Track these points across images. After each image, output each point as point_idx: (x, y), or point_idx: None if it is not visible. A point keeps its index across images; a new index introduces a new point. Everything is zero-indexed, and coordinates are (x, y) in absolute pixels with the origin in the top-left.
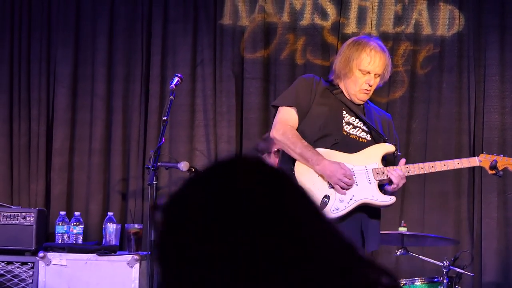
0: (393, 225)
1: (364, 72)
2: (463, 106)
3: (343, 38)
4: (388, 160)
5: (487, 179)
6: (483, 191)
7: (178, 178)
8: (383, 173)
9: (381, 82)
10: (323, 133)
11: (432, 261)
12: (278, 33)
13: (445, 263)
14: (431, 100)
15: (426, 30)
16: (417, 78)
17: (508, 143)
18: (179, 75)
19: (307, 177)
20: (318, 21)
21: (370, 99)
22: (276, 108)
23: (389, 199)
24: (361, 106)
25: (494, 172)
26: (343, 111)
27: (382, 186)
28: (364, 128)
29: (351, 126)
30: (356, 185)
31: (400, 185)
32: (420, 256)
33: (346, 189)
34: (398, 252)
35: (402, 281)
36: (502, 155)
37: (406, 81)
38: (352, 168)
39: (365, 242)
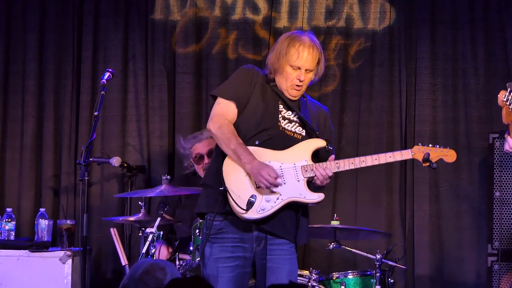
0: (326, 218)
1: (294, 67)
2: (394, 99)
3: (275, 32)
4: (320, 155)
5: (418, 172)
6: (415, 184)
7: (110, 173)
8: (311, 170)
9: (316, 77)
10: (260, 127)
11: (365, 254)
12: (209, 28)
13: (378, 257)
14: (363, 93)
15: (358, 24)
16: (349, 72)
17: (439, 136)
18: (110, 70)
19: (234, 176)
20: (249, 15)
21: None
22: (214, 98)
23: (317, 197)
24: (297, 100)
25: (428, 164)
26: (280, 105)
27: (312, 182)
28: (300, 123)
29: (287, 120)
30: (284, 183)
31: (325, 183)
32: (353, 250)
33: (269, 187)
34: (331, 246)
35: (335, 275)
36: (437, 146)
37: (337, 75)
38: (280, 166)
39: (296, 236)
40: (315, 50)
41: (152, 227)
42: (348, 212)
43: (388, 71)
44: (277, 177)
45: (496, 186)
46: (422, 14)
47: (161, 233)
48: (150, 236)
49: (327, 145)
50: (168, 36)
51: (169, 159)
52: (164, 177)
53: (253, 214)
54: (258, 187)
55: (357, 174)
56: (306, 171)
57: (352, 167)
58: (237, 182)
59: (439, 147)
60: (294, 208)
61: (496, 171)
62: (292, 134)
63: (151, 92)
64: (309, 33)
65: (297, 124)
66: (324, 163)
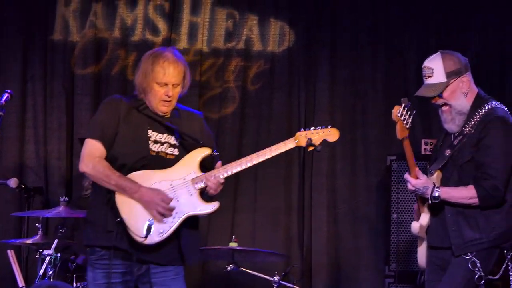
0: (224, 240)
1: (161, 84)
2: (293, 121)
3: None
4: (207, 163)
5: (317, 194)
6: (313, 206)
7: (8, 194)
8: (202, 180)
9: (184, 90)
10: (133, 157)
11: (263, 276)
12: (109, 49)
13: (275, 278)
14: (262, 116)
15: (257, 46)
16: (248, 94)
17: (338, 158)
18: (9, 91)
19: (127, 206)
20: (149, 36)
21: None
22: (82, 140)
23: (212, 206)
24: (169, 116)
25: (312, 148)
26: (149, 130)
27: (204, 192)
28: (172, 141)
29: (158, 143)
30: (178, 201)
31: (218, 190)
32: (251, 271)
33: (164, 214)
34: (229, 268)
35: None
36: (319, 128)
37: (237, 97)
38: (171, 184)
39: (184, 257)
40: (179, 65)
41: (50, 249)
42: (247, 234)
43: (287, 93)
44: (169, 202)
45: (393, 208)
46: (321, 36)
47: (59, 255)
48: (48, 258)
49: (212, 151)
50: (67, 57)
51: (67, 181)
52: (62, 199)
53: (153, 238)
54: (155, 215)
55: (255, 196)
56: (197, 183)
57: (240, 168)
58: (132, 211)
59: (321, 128)
60: (177, 232)
61: (393, 193)
62: (165, 156)
63: (50, 113)
64: (172, 48)
65: (169, 145)
66: (213, 171)
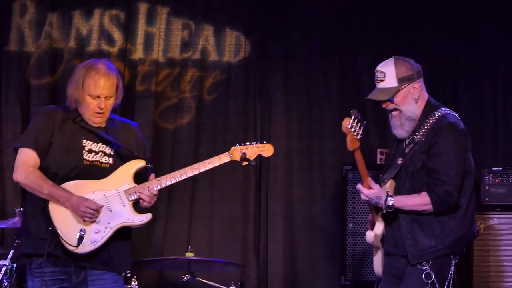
0: (181, 249)
1: (93, 96)
2: (249, 132)
3: (130, 64)
4: (141, 175)
5: (273, 204)
6: (270, 216)
7: None
8: (135, 192)
9: (118, 101)
10: (67, 167)
11: (219, 286)
12: (64, 59)
13: None
14: (218, 126)
15: (213, 56)
16: (204, 104)
17: (294, 168)
18: None
19: (60, 216)
20: (105, 47)
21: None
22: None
23: (145, 218)
24: (104, 126)
25: (247, 163)
26: (83, 139)
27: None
28: (107, 151)
29: (93, 153)
30: (110, 211)
31: (152, 202)
32: (207, 281)
33: (93, 219)
34: (185, 278)
35: None
36: (254, 143)
37: (193, 107)
38: (104, 195)
39: (114, 265)
40: (111, 77)
41: (6, 259)
42: (203, 243)
43: (243, 104)
44: (97, 208)
45: (349, 217)
46: (276, 47)
47: (15, 265)
48: (3, 269)
49: (147, 163)
50: (22, 67)
51: (22, 191)
52: (17, 209)
53: (85, 248)
54: (85, 221)
55: (212, 205)
56: (130, 194)
57: (174, 181)
58: (64, 220)
59: (256, 143)
60: (110, 240)
61: (349, 202)
62: (99, 165)
63: (5, 124)
64: (105, 60)
65: (103, 154)
66: (146, 183)
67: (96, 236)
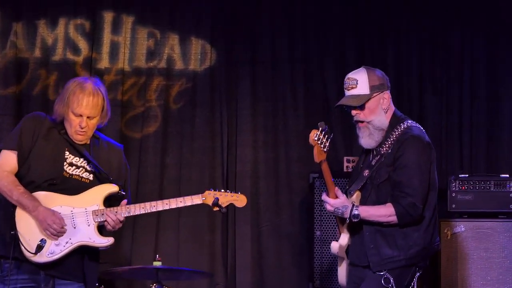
0: (148, 258)
1: (76, 114)
2: (216, 140)
3: (96, 73)
4: (113, 200)
5: (240, 212)
6: (237, 223)
7: None
8: (102, 214)
9: (102, 122)
10: (45, 176)
11: None
12: (30, 69)
13: None
14: (185, 134)
15: (179, 64)
16: (171, 113)
17: (261, 176)
18: None
19: (24, 222)
20: (70, 56)
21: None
22: None
23: (106, 241)
24: (88, 143)
25: (218, 209)
26: (66, 152)
27: (103, 227)
28: (88, 167)
29: (74, 166)
30: (74, 227)
31: (117, 227)
32: None
33: (55, 235)
34: (153, 287)
35: None
36: (228, 191)
37: (159, 116)
38: (72, 211)
39: (86, 276)
40: (95, 98)
41: None
42: (171, 252)
43: (210, 112)
44: (62, 225)
45: (316, 225)
46: (242, 55)
47: None
48: None
49: (119, 190)
50: None
51: None
52: None
53: (42, 257)
54: (47, 234)
55: (179, 213)
56: (97, 215)
57: (143, 211)
58: (28, 227)
59: (230, 192)
60: (82, 252)
61: (316, 210)
62: (79, 179)
63: None
64: (94, 79)
65: (84, 169)
66: (115, 208)
67: (55, 248)
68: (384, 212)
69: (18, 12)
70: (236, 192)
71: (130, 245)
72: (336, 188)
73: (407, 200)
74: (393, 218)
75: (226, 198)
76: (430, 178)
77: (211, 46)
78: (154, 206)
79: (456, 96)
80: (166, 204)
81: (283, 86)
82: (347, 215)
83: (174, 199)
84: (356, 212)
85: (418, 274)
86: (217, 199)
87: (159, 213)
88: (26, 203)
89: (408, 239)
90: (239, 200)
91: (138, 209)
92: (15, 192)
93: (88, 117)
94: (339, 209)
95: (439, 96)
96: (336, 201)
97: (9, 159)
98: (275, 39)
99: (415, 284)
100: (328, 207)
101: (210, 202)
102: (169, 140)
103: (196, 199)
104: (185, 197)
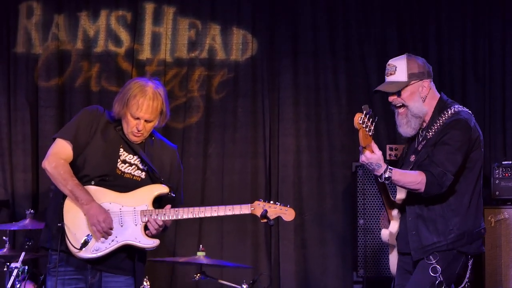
0: (192, 249)
1: (134, 117)
2: (258, 130)
3: (138, 64)
4: (163, 201)
5: (283, 201)
6: None
7: None
8: (150, 215)
9: (161, 124)
10: (97, 171)
11: (231, 284)
12: (72, 61)
13: (244, 286)
14: (227, 124)
15: (220, 55)
16: (213, 103)
17: (303, 165)
18: None
19: (72, 214)
20: (112, 48)
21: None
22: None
23: (152, 243)
24: (143, 142)
25: (265, 220)
26: (121, 149)
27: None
28: (140, 166)
29: (127, 164)
30: (121, 226)
31: (158, 233)
32: (219, 280)
33: (101, 233)
34: (197, 277)
35: None
36: (277, 204)
37: (201, 106)
38: (120, 209)
39: (135, 269)
40: (155, 102)
41: (17, 262)
42: (214, 242)
43: (252, 102)
44: (111, 227)
45: (359, 214)
46: (284, 45)
47: (26, 267)
48: (15, 271)
49: (169, 192)
50: (30, 69)
51: (33, 193)
52: (28, 211)
53: (87, 253)
54: (93, 231)
55: (223, 203)
56: (145, 215)
57: (190, 216)
58: (75, 221)
59: (279, 204)
60: (131, 251)
61: (359, 199)
62: (131, 177)
63: (14, 126)
64: (156, 81)
65: (136, 168)
66: (163, 209)
67: (100, 245)
68: (414, 179)
69: (60, 4)
70: (285, 205)
71: (174, 235)
72: (373, 142)
73: (438, 169)
74: (420, 186)
75: (274, 210)
76: (467, 160)
77: (252, 36)
78: (202, 211)
79: (498, 83)
80: (215, 211)
81: (325, 76)
82: (378, 173)
83: (223, 206)
84: (388, 175)
85: (470, 263)
86: (266, 211)
87: (202, 204)
88: (80, 195)
89: (448, 224)
90: (287, 214)
91: (186, 213)
92: (70, 182)
93: (146, 120)
94: (372, 164)
95: (481, 83)
96: (372, 156)
97: (66, 148)
98: (316, 28)
99: (469, 274)
100: (362, 159)
101: (258, 213)
102: (211, 130)
103: (245, 209)
104: (234, 206)
